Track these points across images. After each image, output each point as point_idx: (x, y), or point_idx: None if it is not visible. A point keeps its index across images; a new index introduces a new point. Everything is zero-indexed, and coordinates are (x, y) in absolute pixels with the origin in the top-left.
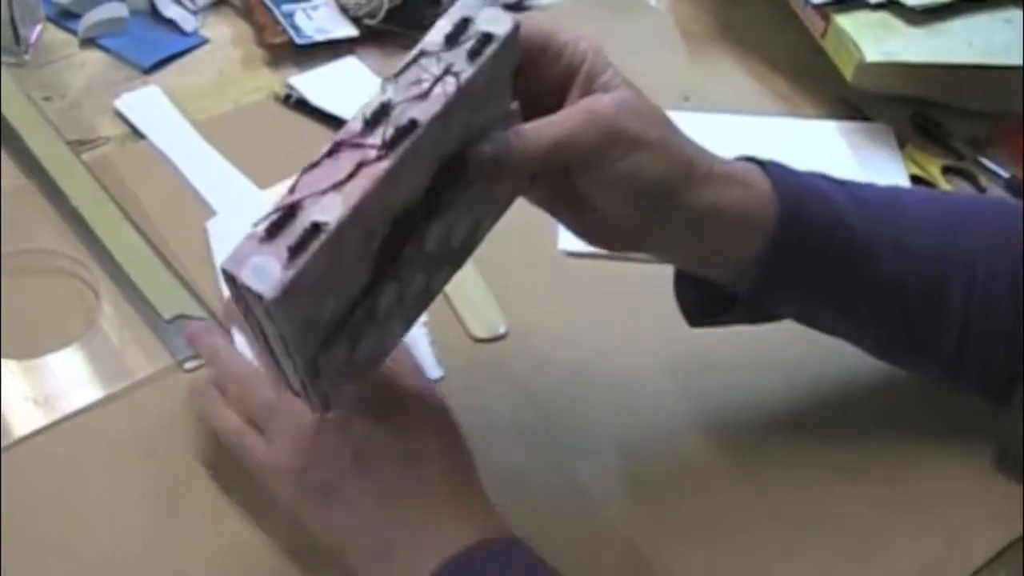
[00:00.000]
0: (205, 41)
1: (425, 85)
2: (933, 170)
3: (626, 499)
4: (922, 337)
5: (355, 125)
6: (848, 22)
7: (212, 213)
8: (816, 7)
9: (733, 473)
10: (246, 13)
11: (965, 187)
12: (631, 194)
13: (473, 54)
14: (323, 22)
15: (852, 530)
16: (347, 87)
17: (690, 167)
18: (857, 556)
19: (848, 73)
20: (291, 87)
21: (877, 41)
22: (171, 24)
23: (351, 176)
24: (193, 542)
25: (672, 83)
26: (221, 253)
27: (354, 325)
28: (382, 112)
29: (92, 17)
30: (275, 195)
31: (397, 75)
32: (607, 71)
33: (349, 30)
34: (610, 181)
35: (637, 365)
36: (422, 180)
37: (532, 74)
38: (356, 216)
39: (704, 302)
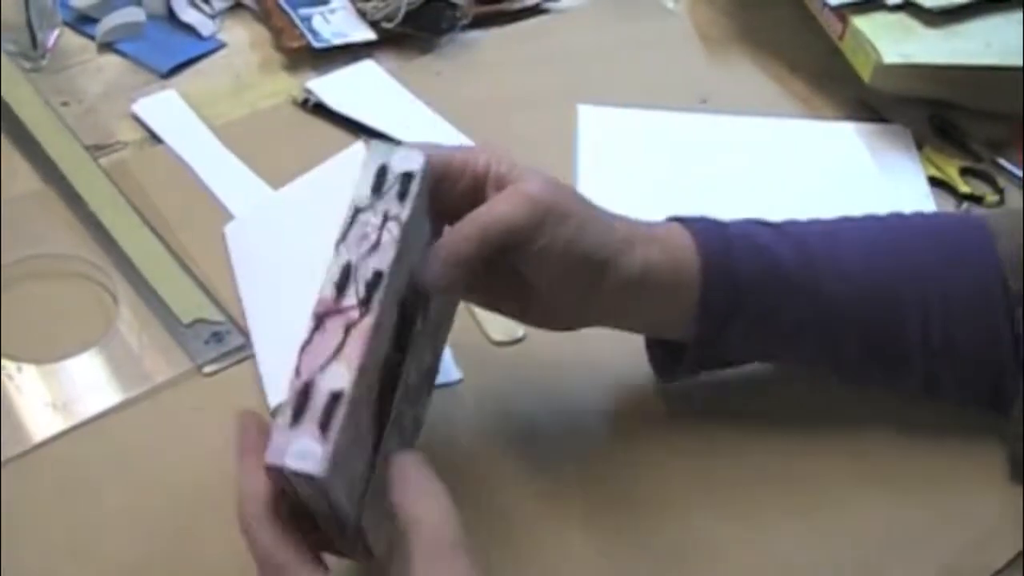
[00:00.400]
0: (222, 45)
1: (373, 237)
2: (951, 172)
3: (644, 500)
4: (888, 364)
5: (327, 294)
6: (866, 24)
7: (230, 217)
8: (834, 9)
9: (752, 474)
10: (263, 17)
11: (983, 189)
12: (567, 266)
13: (401, 195)
14: (341, 26)
15: (872, 531)
16: (365, 91)
17: (613, 230)
18: (877, 557)
19: (866, 75)
20: (309, 91)
21: (895, 43)
22: (188, 28)
23: (344, 341)
24: (212, 549)
25: (690, 85)
26: (239, 257)
27: (377, 478)
28: (347, 275)
29: (109, 22)
30: (287, 193)
31: (343, 238)
32: (513, 168)
33: (367, 34)
34: (546, 255)
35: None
36: (392, 321)
37: (442, 200)
38: (361, 374)
39: (669, 358)
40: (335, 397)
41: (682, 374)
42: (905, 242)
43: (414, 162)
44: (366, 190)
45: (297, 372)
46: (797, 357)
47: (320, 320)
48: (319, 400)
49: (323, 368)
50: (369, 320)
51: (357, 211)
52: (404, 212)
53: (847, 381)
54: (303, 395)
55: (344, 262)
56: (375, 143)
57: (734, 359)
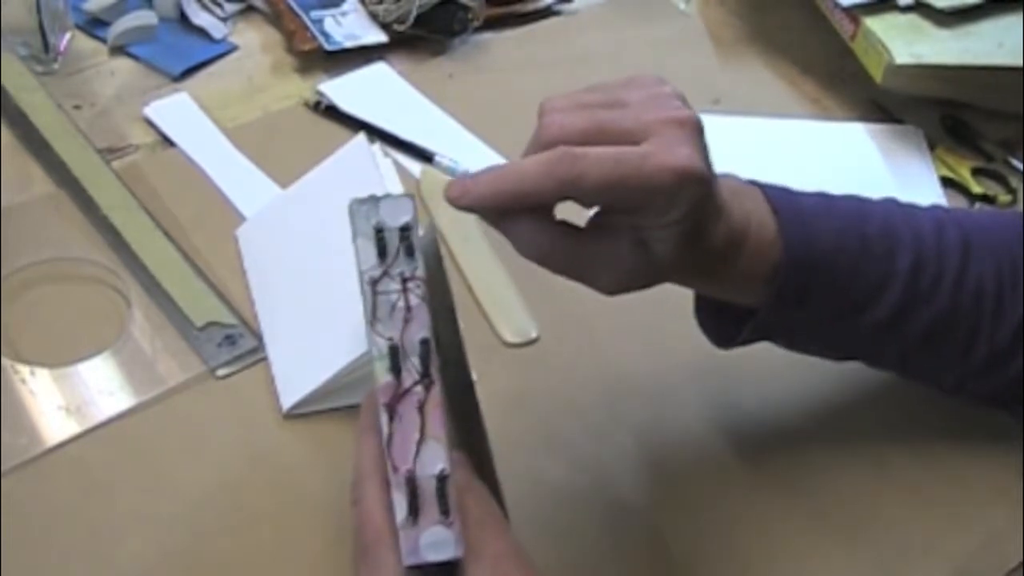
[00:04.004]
0: (234, 48)
1: (401, 305)
2: (963, 172)
3: (657, 504)
4: (953, 342)
5: (386, 381)
6: (877, 24)
7: (242, 220)
8: (845, 10)
9: (766, 478)
10: (275, 20)
11: (996, 189)
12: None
13: (408, 251)
14: (352, 28)
15: (886, 533)
16: (377, 93)
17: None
18: (891, 558)
19: (877, 75)
20: (321, 93)
21: (906, 43)
22: (200, 31)
23: (423, 421)
24: (224, 551)
25: (702, 86)
26: (251, 260)
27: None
28: (396, 356)
29: (121, 25)
30: (294, 193)
31: (373, 317)
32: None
33: (379, 36)
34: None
35: (667, 370)
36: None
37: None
38: (448, 442)
39: (725, 326)
40: (443, 478)
41: (743, 340)
42: (976, 220)
43: (406, 210)
44: (371, 258)
45: (394, 468)
46: (864, 328)
47: (391, 409)
48: (427, 487)
49: (417, 455)
50: (436, 390)
51: (373, 283)
52: (419, 267)
53: (903, 363)
54: (410, 488)
55: (389, 345)
56: (354, 204)
57: (801, 329)
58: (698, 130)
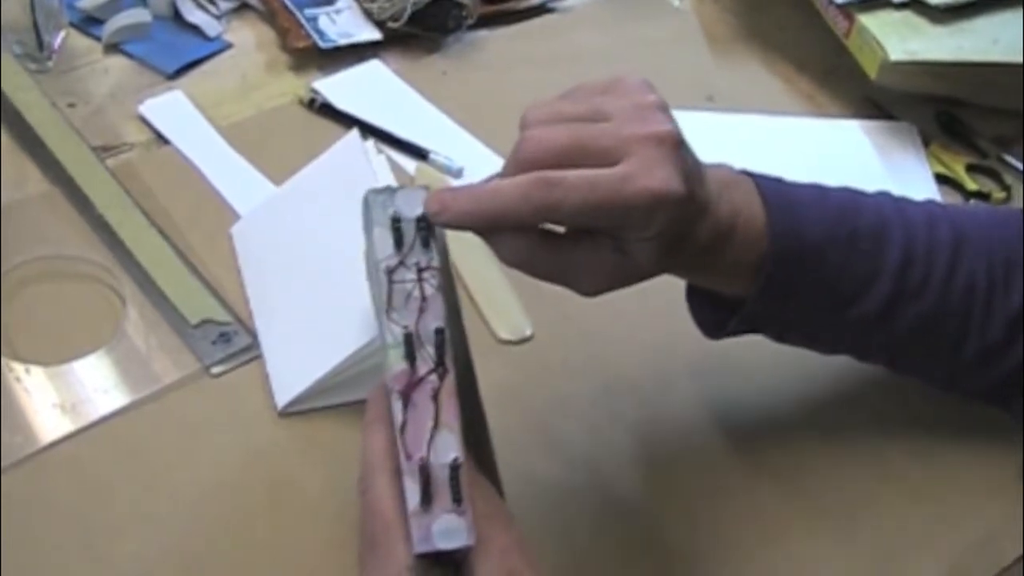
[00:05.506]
0: (229, 46)
1: (416, 294)
2: (958, 169)
3: (653, 501)
4: (943, 338)
5: (399, 369)
6: (872, 21)
7: (237, 217)
8: (840, 7)
9: (762, 474)
10: (270, 18)
11: (990, 185)
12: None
13: (425, 242)
14: (347, 26)
15: (882, 528)
16: (372, 91)
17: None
18: (887, 554)
19: (872, 72)
20: (315, 91)
21: (901, 40)
22: (195, 29)
23: (437, 409)
24: (220, 549)
25: (696, 83)
26: (246, 257)
27: None
28: (411, 343)
29: (116, 23)
30: (288, 190)
31: (389, 305)
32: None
33: (373, 34)
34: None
35: (662, 367)
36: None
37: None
38: (461, 431)
39: (717, 316)
40: (456, 467)
41: (731, 331)
42: (968, 215)
43: (421, 202)
44: (388, 248)
45: (407, 456)
46: (852, 321)
47: (406, 397)
48: (441, 475)
49: (431, 443)
50: (450, 378)
51: (389, 272)
52: (434, 258)
53: (893, 357)
54: (423, 476)
55: (404, 333)
56: (370, 194)
57: (789, 321)
58: (677, 145)
